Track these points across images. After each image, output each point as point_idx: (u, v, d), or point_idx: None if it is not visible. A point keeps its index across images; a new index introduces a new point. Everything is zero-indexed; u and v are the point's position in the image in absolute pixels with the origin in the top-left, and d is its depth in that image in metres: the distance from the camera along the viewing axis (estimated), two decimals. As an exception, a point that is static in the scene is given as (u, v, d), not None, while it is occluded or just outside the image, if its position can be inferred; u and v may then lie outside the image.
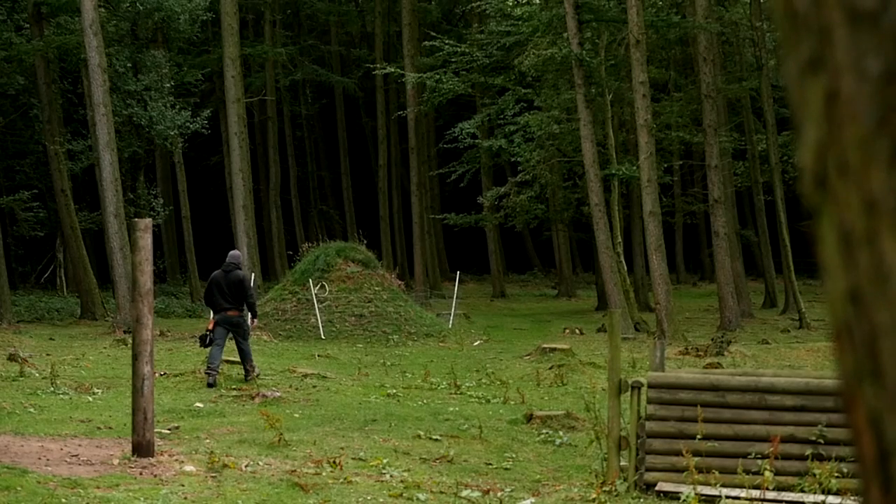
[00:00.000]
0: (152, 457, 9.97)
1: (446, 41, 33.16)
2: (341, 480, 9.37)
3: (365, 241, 27.98)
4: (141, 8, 31.65)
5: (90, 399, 14.03)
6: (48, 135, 30.54)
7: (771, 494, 8.39)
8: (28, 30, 30.81)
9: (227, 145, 35.10)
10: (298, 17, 49.75)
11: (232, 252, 16.76)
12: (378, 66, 35.88)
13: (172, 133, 31.98)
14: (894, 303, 0.62)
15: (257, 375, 15.55)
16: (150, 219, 11.76)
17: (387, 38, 46.73)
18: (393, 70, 34.13)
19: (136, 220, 10.56)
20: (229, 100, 32.48)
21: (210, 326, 15.84)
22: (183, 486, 9.00)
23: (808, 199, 0.69)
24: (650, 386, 9.44)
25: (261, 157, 45.80)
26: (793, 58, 0.67)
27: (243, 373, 15.87)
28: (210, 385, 15.05)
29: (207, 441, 10.98)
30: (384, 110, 44.10)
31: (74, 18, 29.80)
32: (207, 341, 15.55)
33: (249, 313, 16.24)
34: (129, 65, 32.28)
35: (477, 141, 33.39)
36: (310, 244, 28.58)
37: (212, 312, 16.38)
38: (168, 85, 32.64)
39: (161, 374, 16.00)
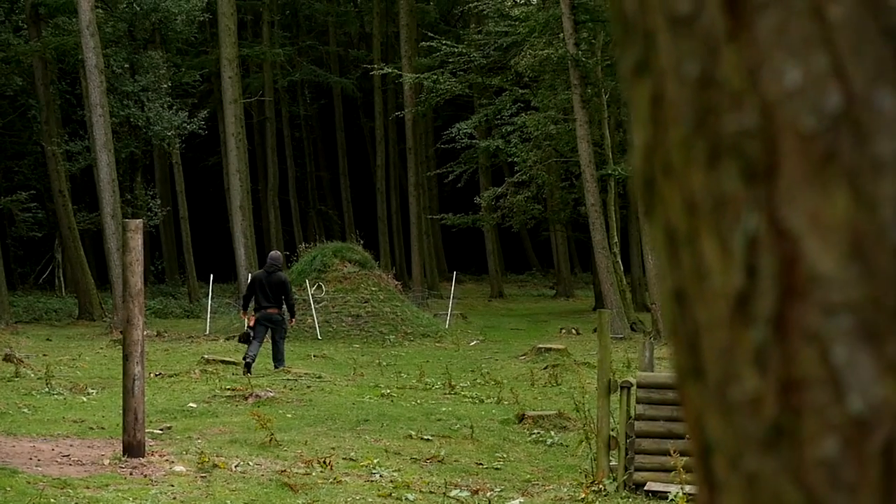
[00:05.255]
0: (143, 457, 9.98)
1: (444, 42, 33.18)
2: (331, 480, 9.38)
3: (362, 242, 27.99)
4: (138, 9, 31.69)
5: (84, 399, 14.06)
6: (46, 135, 30.58)
7: (759, 494, 8.40)
8: (26, 31, 30.86)
9: (225, 146, 35.12)
10: (297, 18, 49.77)
11: (272, 253, 18.06)
12: (376, 66, 35.90)
13: (170, 134, 32.01)
14: (712, 301, 0.63)
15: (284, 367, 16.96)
16: (142, 220, 11.75)
17: (385, 39, 46.72)
18: (391, 70, 34.15)
19: (127, 220, 10.56)
20: (227, 101, 32.49)
21: (251, 324, 16.95)
22: (172, 486, 9.02)
23: (640, 200, 0.71)
24: (639, 386, 9.45)
25: (259, 158, 45.80)
26: (624, 61, 0.68)
27: (272, 365, 17.14)
28: (247, 370, 16.26)
29: (199, 441, 10.99)
30: (382, 111, 44.09)
31: (72, 19, 29.85)
32: (248, 339, 16.77)
33: (288, 312, 17.41)
34: (126, 66, 32.32)
35: (474, 141, 33.40)
36: (308, 245, 28.58)
37: (244, 310, 17.49)
38: (165, 86, 32.67)
39: (156, 375, 16.06)
